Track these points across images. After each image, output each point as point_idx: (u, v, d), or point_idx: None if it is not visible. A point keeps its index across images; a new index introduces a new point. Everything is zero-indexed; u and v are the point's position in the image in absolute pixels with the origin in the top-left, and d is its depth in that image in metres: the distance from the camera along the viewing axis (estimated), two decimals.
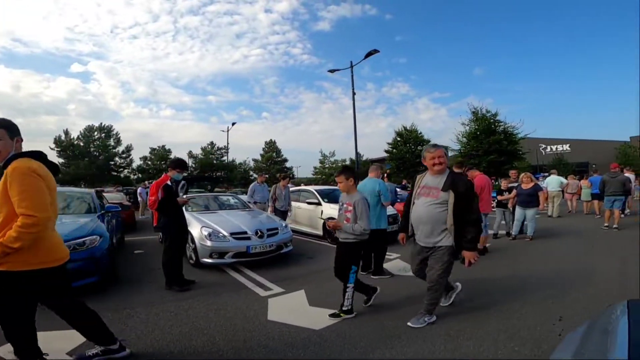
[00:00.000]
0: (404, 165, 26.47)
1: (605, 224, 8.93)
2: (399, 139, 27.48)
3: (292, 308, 3.74)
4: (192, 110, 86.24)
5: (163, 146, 44.05)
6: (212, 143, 45.00)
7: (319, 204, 8.54)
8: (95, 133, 39.37)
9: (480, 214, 4.41)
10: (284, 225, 6.46)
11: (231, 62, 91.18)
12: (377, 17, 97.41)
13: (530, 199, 7.59)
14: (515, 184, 8.29)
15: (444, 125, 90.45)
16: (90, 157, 37.50)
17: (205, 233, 5.32)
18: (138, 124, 74.38)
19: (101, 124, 39.81)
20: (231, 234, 5.40)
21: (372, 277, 4.90)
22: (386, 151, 28.32)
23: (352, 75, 17.07)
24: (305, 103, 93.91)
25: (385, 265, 5.29)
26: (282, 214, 7.88)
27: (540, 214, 13.03)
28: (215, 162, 43.63)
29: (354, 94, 17.53)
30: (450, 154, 26.65)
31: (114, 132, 40.16)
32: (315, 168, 46.43)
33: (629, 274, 4.84)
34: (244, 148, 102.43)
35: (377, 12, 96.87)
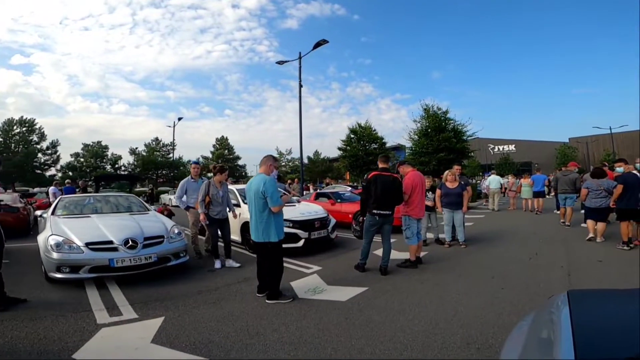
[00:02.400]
0: (357, 163, 25.62)
1: (562, 220, 9.25)
2: (352, 136, 26.58)
3: (122, 345, 2.90)
4: (148, 106, 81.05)
5: (99, 142, 40.02)
6: (157, 139, 41.63)
7: (237, 205, 7.13)
8: (15, 127, 34.44)
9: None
10: (177, 232, 5.19)
11: (193, 58, 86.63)
12: (345, 18, 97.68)
13: (458, 199, 6.68)
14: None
15: (404, 125, 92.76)
16: (8, 154, 32.68)
17: (52, 242, 4.43)
18: (86, 119, 68.54)
19: (22, 117, 35.05)
20: (87, 244, 4.48)
21: (267, 301, 3.88)
22: (339, 149, 27.32)
23: (300, 67, 15.86)
24: (269, 101, 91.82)
25: (299, 282, 4.61)
26: (220, 223, 5.66)
27: (483, 210, 13.68)
28: (159, 159, 40.27)
29: (300, 85, 16.25)
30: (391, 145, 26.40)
31: (37, 126, 35.48)
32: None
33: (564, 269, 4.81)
34: (204, 146, 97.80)
35: (346, 12, 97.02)
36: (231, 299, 4.02)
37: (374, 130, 26.64)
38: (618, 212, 6.18)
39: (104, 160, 39.64)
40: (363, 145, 26.21)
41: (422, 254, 6.09)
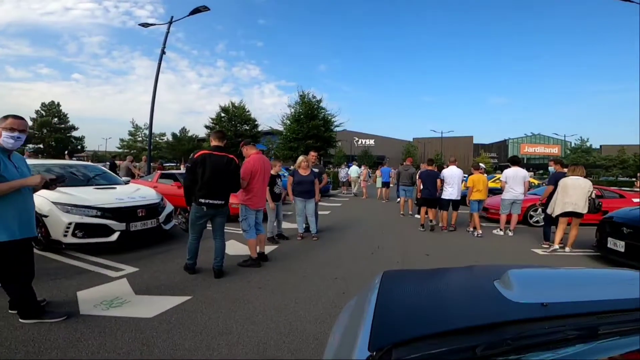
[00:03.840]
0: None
1: (401, 212, 9.97)
2: (223, 115, 24.39)
3: None
4: None
5: None
6: None
7: None
8: None
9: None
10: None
11: (41, 13, 63.79)
12: None
13: (311, 188, 6.28)
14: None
15: (283, 112, 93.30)
16: None
17: None
18: None
19: None
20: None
21: (20, 321, 2.78)
22: (206, 126, 24.75)
23: (168, 32, 12.86)
24: (138, 70, 76.96)
25: (93, 291, 3.53)
26: None
27: (341, 199, 14.42)
28: None
29: (163, 52, 13.26)
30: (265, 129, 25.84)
31: None
32: (122, 140, 37.54)
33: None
34: (29, 111, 75.49)
35: None
36: None
37: (248, 111, 25.13)
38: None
39: None
40: (234, 126, 24.43)
41: (271, 248, 5.49)
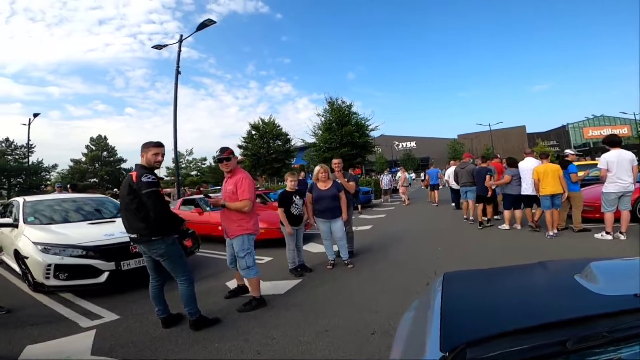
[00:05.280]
0: (259, 162, 23.17)
1: (464, 216, 8.44)
2: (254, 132, 24.00)
3: None
4: (23, 103, 64.95)
5: None
6: (7, 140, 32.39)
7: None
8: None
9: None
10: None
11: (86, 50, 72.10)
12: (268, 16, 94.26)
13: (334, 204, 4.83)
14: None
15: (314, 122, 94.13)
16: None
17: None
18: None
19: None
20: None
21: None
22: (239, 146, 24.46)
23: (180, 51, 12.58)
24: (180, 99, 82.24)
25: (47, 346, 2.99)
26: None
27: (385, 208, 12.58)
28: (12, 164, 31.47)
29: (178, 72, 12.96)
30: (300, 144, 24.85)
31: None
32: (168, 169, 39.13)
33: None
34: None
35: (269, 10, 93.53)
36: None
37: (278, 126, 24.51)
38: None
39: None
40: (266, 142, 23.85)
41: (292, 283, 4.29)
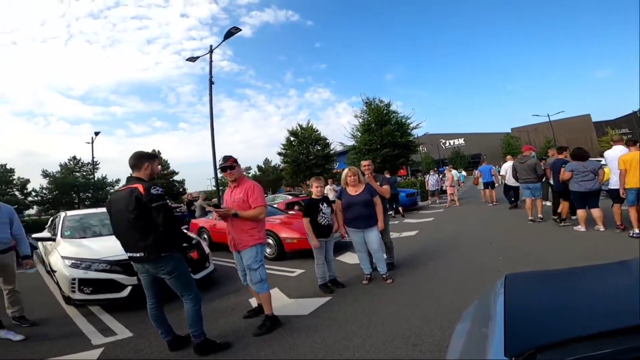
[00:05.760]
0: (299, 168, 23.00)
1: (530, 218, 7.23)
2: (292, 138, 23.97)
3: None
4: (92, 123, 73.10)
5: (3, 165, 33.73)
6: (74, 158, 36.02)
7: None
8: None
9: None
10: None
11: (140, 70, 79.34)
12: (299, 24, 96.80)
13: (367, 211, 4.16)
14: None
15: (351, 124, 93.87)
16: None
17: None
18: (20, 140, 59.41)
19: None
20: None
21: None
22: (279, 153, 24.58)
23: (211, 61, 12.89)
24: (226, 112, 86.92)
25: None
26: None
27: (434, 211, 11.08)
28: (80, 180, 34.90)
29: (211, 83, 13.24)
30: (340, 149, 24.19)
31: None
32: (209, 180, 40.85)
33: None
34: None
35: (299, 18, 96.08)
36: None
37: (316, 131, 24.23)
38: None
39: (10, 186, 33.46)
40: (305, 148, 23.66)
41: (321, 301, 3.74)
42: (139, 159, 2.87)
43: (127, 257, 4.17)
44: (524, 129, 54.83)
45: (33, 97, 66.81)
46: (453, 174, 13.82)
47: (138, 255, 2.74)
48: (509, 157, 10.71)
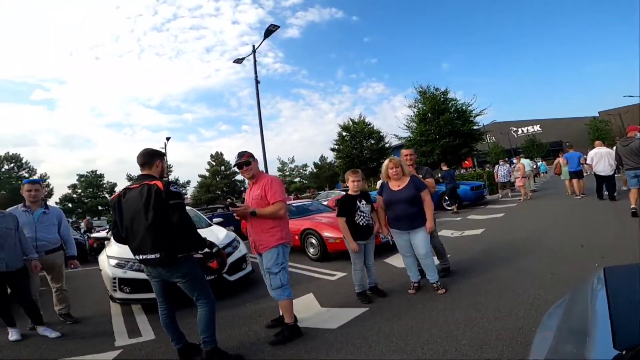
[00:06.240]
0: (353, 163, 22.36)
1: (632, 206, 5.90)
2: (345, 133, 23.42)
3: None
4: (168, 130, 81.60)
5: (94, 171, 38.83)
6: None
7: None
8: (4, 164, 33.74)
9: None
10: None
11: (203, 77, 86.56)
12: (344, 20, 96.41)
13: (413, 209, 3.46)
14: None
15: (405, 115, 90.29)
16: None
17: None
18: (113, 149, 68.70)
19: (7, 153, 34.32)
20: None
21: None
22: (332, 149, 24.21)
23: (255, 60, 13.06)
24: (284, 112, 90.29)
25: None
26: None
27: (505, 205, 9.84)
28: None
29: (257, 82, 13.40)
30: (396, 142, 22.85)
31: (24, 160, 34.68)
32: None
33: None
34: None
35: (344, 14, 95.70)
36: None
37: (369, 124, 23.36)
38: None
39: (101, 189, 38.44)
40: (359, 142, 22.94)
41: (358, 311, 3.22)
42: (151, 157, 2.68)
43: None
44: (613, 111, 46.95)
45: (121, 109, 76.12)
46: (524, 163, 12.01)
47: (153, 257, 2.51)
48: (597, 142, 8.86)
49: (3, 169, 33.48)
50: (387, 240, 3.71)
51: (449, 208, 10.61)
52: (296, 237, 6.77)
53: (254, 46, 12.21)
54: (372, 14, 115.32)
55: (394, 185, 3.57)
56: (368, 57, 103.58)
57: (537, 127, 55.23)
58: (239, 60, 12.93)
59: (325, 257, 5.78)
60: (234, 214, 2.90)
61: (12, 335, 3.40)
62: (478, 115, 17.16)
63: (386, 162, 3.68)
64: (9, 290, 3.43)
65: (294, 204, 8.72)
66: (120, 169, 76.70)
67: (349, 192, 3.74)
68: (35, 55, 77.32)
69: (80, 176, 37.81)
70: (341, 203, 3.68)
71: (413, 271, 3.59)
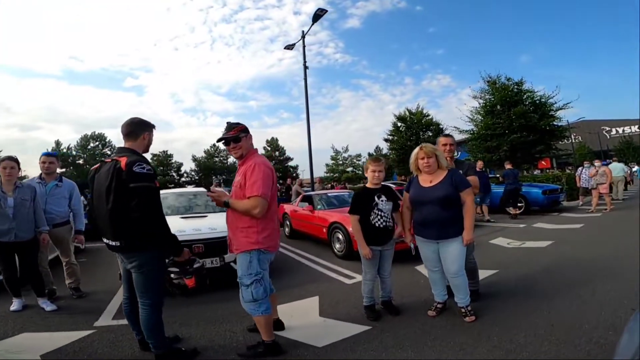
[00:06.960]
0: (406, 155, 20.92)
1: None
2: (400, 123, 22.01)
3: None
4: (235, 116, 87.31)
5: (165, 151, 42.43)
6: (213, 145, 42.57)
7: None
8: (90, 142, 38.52)
9: None
10: None
11: (267, 67, 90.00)
12: (407, 10, 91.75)
13: (446, 213, 2.66)
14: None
15: (469, 106, 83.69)
16: (77, 167, 36.48)
17: None
18: (187, 132, 75.98)
19: (94, 132, 39.10)
20: None
21: None
22: (385, 140, 22.97)
23: (304, 47, 12.82)
24: (343, 102, 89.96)
25: None
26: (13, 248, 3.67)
27: (582, 215, 7.52)
28: (217, 165, 41.31)
29: (305, 67, 13.07)
30: (459, 136, 20.69)
31: (107, 139, 39.17)
32: (327, 165, 41.94)
33: None
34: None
35: (407, 4, 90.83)
36: None
37: (427, 115, 21.62)
38: None
39: (169, 168, 42.12)
40: (415, 134, 21.39)
41: (361, 328, 2.64)
42: (138, 126, 2.31)
43: (190, 239, 3.94)
44: None
45: (195, 96, 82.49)
46: (614, 167, 9.86)
47: (113, 244, 2.17)
48: None
49: (89, 147, 38.22)
50: (411, 249, 2.99)
51: (513, 212, 9.14)
52: (324, 230, 6.28)
53: (303, 31, 11.82)
54: (436, 3, 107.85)
55: (425, 181, 2.81)
56: (433, 48, 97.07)
57: (635, 128, 46.77)
58: (290, 47, 12.68)
59: (351, 255, 5.19)
60: (211, 198, 2.42)
61: (14, 305, 3.43)
62: (560, 109, 14.62)
63: (416, 150, 2.91)
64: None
65: (331, 194, 8.19)
66: (193, 150, 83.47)
67: (367, 185, 3.08)
68: (127, 45, 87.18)
69: (154, 155, 41.66)
70: (355, 197, 3.04)
71: (439, 290, 2.84)
